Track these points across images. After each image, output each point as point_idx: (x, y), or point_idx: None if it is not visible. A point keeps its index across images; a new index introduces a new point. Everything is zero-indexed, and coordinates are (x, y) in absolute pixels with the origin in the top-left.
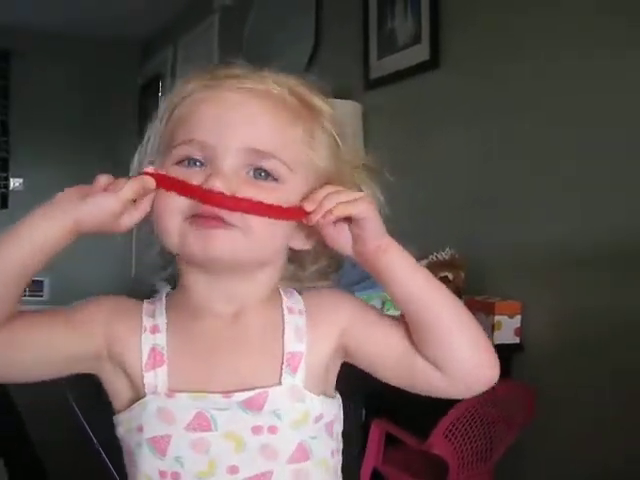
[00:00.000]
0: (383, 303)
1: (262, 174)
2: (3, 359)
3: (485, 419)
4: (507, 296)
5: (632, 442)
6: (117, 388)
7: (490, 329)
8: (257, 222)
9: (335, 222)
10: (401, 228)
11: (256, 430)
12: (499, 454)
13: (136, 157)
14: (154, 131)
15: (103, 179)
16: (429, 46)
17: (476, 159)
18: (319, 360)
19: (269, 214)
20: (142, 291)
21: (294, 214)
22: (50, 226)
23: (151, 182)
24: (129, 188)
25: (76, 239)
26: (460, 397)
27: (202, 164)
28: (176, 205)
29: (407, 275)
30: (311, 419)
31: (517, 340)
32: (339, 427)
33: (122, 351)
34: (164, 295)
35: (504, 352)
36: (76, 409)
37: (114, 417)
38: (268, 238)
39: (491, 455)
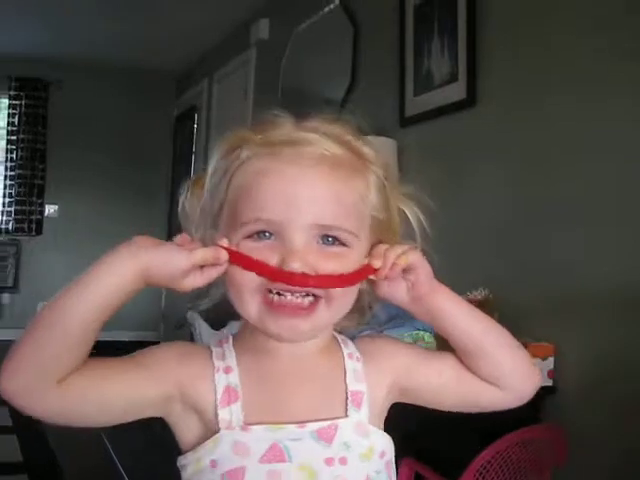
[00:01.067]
0: (415, 341)
1: (329, 239)
2: (78, 405)
3: (516, 462)
4: (540, 338)
5: None
6: (186, 428)
7: None
8: (338, 292)
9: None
10: (435, 266)
11: (328, 461)
12: None
13: (188, 212)
14: (211, 195)
15: (180, 238)
16: (466, 84)
17: (511, 198)
18: (379, 398)
19: (347, 284)
20: (171, 322)
21: (365, 274)
22: (120, 270)
23: (224, 255)
24: (202, 253)
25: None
26: (515, 405)
27: (270, 235)
28: (253, 283)
29: (456, 310)
30: (376, 454)
31: (550, 383)
32: (394, 468)
33: (195, 391)
34: (230, 338)
35: (537, 394)
36: (104, 438)
37: (180, 458)
38: (348, 302)
39: None
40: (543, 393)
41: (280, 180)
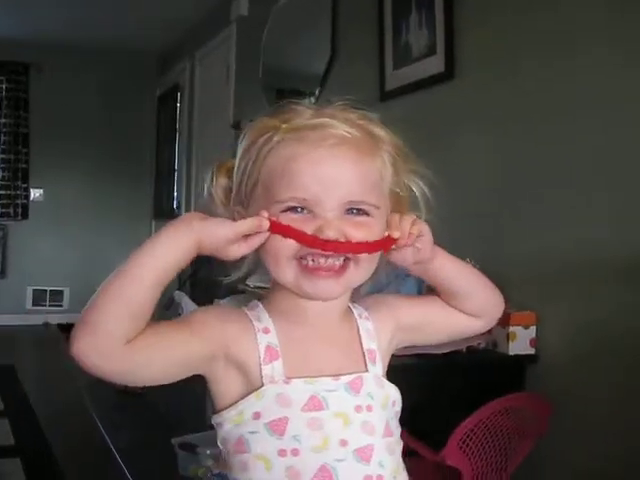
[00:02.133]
0: None
1: (354, 210)
2: (140, 363)
3: (500, 430)
4: (522, 307)
5: None
6: (228, 385)
7: (505, 340)
8: (364, 256)
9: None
10: (436, 233)
11: (358, 409)
12: (514, 465)
13: (213, 195)
14: (246, 175)
15: (220, 210)
16: (444, 57)
17: (491, 170)
18: (386, 354)
19: (373, 250)
20: (160, 302)
21: (387, 244)
22: (181, 240)
23: (266, 224)
24: (246, 224)
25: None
26: (487, 329)
27: (303, 209)
28: (291, 250)
29: (451, 267)
30: (390, 402)
31: (532, 351)
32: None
33: (239, 350)
34: (260, 304)
35: (519, 363)
36: (95, 417)
37: (216, 416)
38: (372, 265)
39: (506, 466)
40: (525, 361)
41: (309, 164)
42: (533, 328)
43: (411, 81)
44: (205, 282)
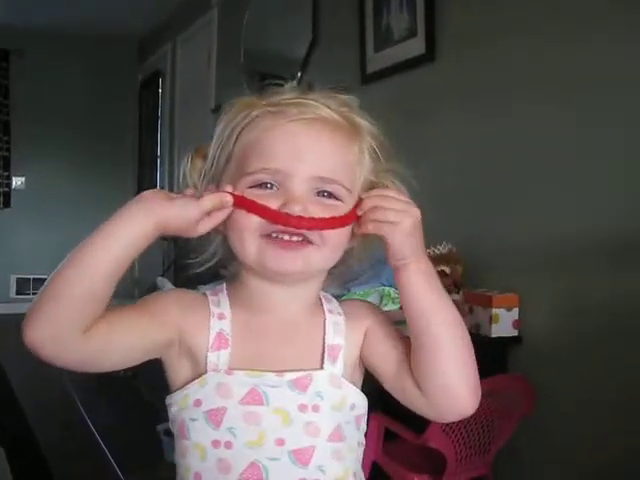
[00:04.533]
0: (381, 298)
1: (325, 194)
2: (99, 350)
3: (483, 412)
4: (505, 289)
5: (631, 435)
6: (178, 369)
7: (488, 322)
8: (331, 236)
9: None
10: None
11: (302, 408)
12: (497, 447)
13: (189, 179)
14: (220, 149)
15: (189, 190)
16: (424, 39)
17: (472, 152)
18: (354, 354)
19: (337, 225)
20: (144, 288)
21: (350, 218)
22: (140, 222)
23: (230, 199)
24: (209, 200)
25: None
26: (435, 419)
27: (272, 186)
28: (255, 225)
29: (427, 289)
30: (347, 405)
31: (515, 333)
32: (364, 425)
33: (192, 336)
34: (224, 288)
35: (502, 345)
36: (79, 404)
37: (168, 397)
38: (337, 248)
39: (489, 448)
40: (508, 343)
41: (285, 133)
42: (516, 310)
43: (392, 64)
44: (188, 267)
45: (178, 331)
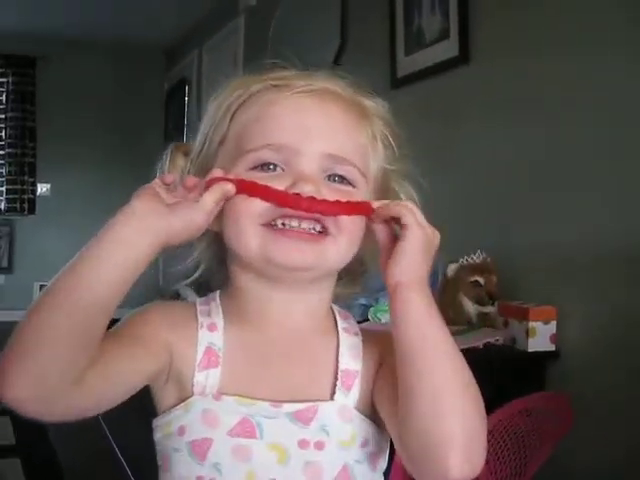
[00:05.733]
0: None
1: (336, 179)
2: (92, 400)
3: (519, 432)
4: (542, 301)
5: None
6: (165, 392)
7: (524, 336)
8: (348, 225)
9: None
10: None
11: (303, 444)
12: (535, 468)
13: (181, 157)
14: (213, 131)
15: (190, 180)
16: (458, 41)
17: (508, 158)
18: (370, 382)
19: (351, 212)
20: (168, 298)
21: (367, 209)
22: (142, 243)
23: (231, 189)
24: (211, 197)
25: None
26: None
27: (275, 167)
28: (258, 210)
29: (424, 313)
30: (358, 443)
31: (552, 347)
32: (383, 463)
33: (180, 355)
34: (217, 296)
35: (539, 360)
36: (101, 421)
37: (154, 420)
38: (353, 243)
39: (526, 470)
40: (546, 358)
41: (292, 107)
42: (554, 323)
43: (423, 67)
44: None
45: (170, 354)
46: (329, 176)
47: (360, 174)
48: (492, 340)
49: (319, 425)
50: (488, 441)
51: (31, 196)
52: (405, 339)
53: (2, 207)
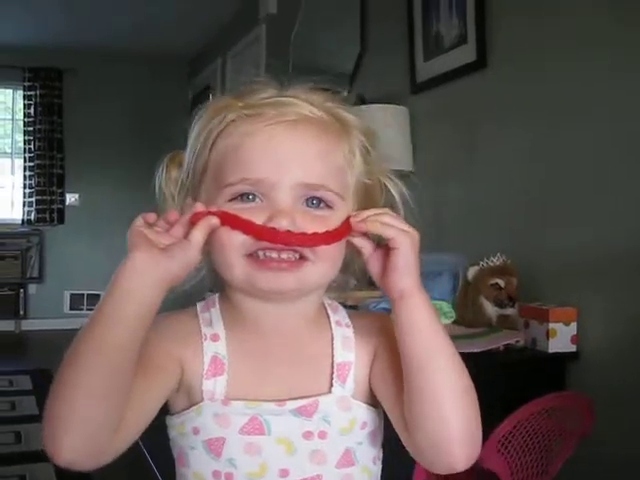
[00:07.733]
0: None
1: (314, 202)
2: (129, 440)
3: (540, 432)
4: (562, 302)
5: None
6: (176, 399)
7: (545, 337)
8: (325, 251)
9: (376, 249)
10: (450, 234)
11: (307, 435)
12: (557, 468)
13: (164, 189)
14: (195, 158)
15: (171, 214)
16: (475, 46)
17: (526, 161)
18: (364, 372)
19: (330, 241)
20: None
21: (346, 231)
22: (148, 295)
23: (216, 222)
24: (201, 235)
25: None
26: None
27: (255, 197)
28: (238, 242)
29: (422, 323)
30: (357, 426)
31: (573, 348)
32: (381, 437)
33: (190, 366)
34: (217, 301)
35: (560, 361)
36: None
37: (167, 418)
38: (334, 263)
39: (547, 469)
40: (566, 359)
41: (266, 139)
42: (574, 324)
43: (442, 72)
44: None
45: (182, 368)
46: (307, 199)
47: (337, 196)
48: (512, 342)
49: (321, 416)
50: (509, 441)
51: (60, 206)
52: (415, 346)
53: (32, 217)
